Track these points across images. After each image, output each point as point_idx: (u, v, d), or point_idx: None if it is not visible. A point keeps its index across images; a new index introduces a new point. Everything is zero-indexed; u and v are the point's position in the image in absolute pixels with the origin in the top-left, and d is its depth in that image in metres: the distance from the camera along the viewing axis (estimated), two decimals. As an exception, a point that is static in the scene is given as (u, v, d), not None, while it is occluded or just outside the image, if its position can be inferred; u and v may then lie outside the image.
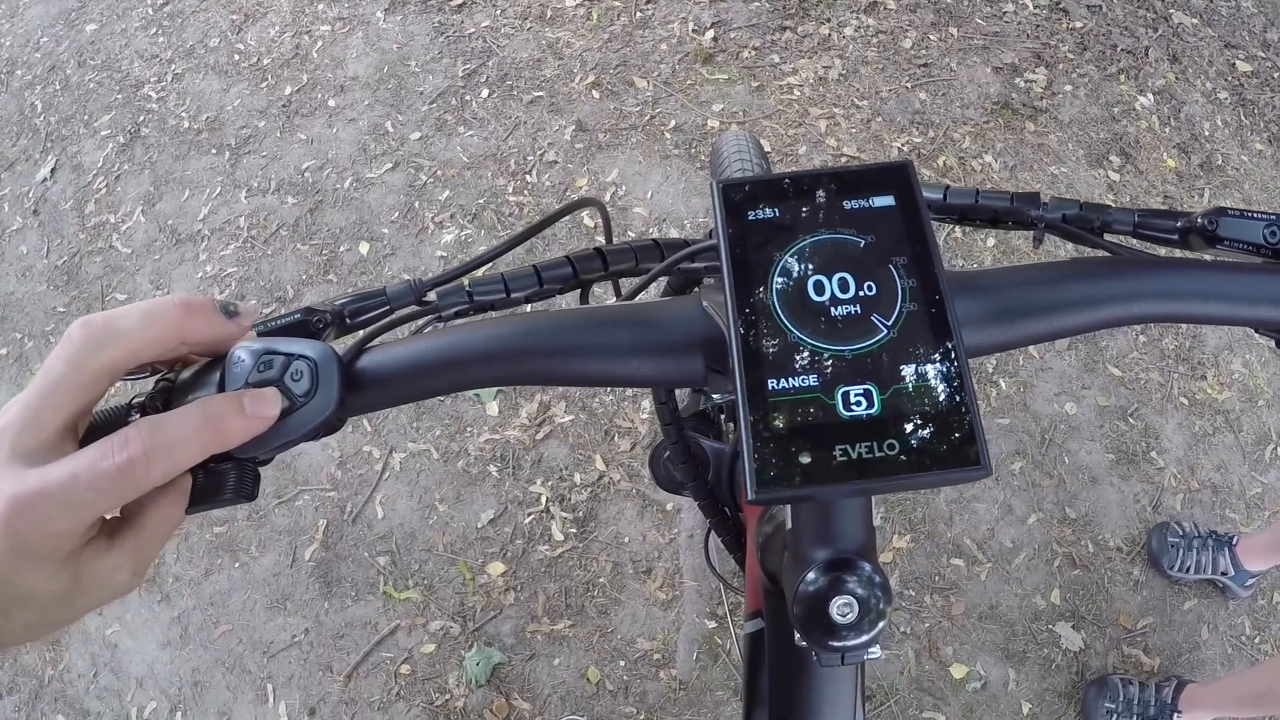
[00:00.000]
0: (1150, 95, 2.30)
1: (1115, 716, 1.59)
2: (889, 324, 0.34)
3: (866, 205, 0.37)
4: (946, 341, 0.33)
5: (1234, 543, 1.69)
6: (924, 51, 2.40)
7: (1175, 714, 1.56)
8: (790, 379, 0.33)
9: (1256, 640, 1.72)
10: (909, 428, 0.32)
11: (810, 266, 0.36)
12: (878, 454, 0.31)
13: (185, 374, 0.41)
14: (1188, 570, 1.71)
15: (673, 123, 2.33)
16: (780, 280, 0.35)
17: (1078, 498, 1.83)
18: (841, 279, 0.35)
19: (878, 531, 1.78)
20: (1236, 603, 1.74)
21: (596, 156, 2.29)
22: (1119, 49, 2.38)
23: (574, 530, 1.84)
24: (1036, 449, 1.87)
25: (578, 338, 0.40)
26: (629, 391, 1.95)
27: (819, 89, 2.35)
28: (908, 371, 0.33)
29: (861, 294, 0.35)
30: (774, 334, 0.34)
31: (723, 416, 0.90)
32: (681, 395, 0.77)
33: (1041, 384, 1.93)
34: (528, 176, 2.28)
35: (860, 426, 0.32)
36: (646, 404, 1.92)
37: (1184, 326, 1.97)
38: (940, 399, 0.32)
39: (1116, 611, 1.74)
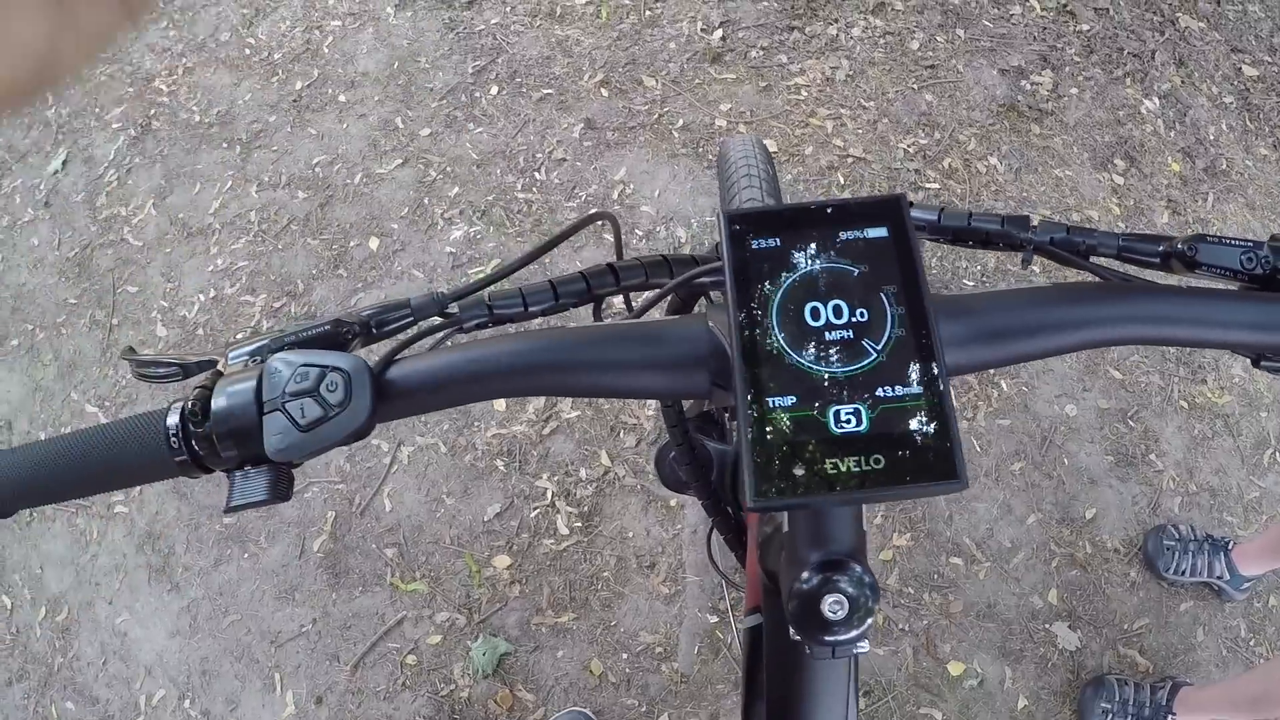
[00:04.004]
0: (1156, 99, 2.32)
1: (1111, 717, 1.61)
2: (878, 348, 0.36)
3: (861, 236, 0.40)
4: (931, 366, 0.36)
5: (1230, 547, 1.71)
6: (931, 53, 2.42)
7: (1170, 715, 1.58)
8: (787, 397, 0.35)
9: (1252, 643, 1.74)
10: (894, 444, 0.34)
11: (807, 293, 0.38)
12: (865, 468, 0.33)
13: (221, 381, 0.44)
14: (1183, 573, 1.73)
15: (681, 122, 2.34)
16: (779, 305, 0.38)
17: (1077, 499, 1.85)
18: (836, 305, 0.37)
19: (878, 530, 1.81)
20: (1232, 605, 1.76)
21: (605, 154, 2.31)
22: (1125, 52, 2.39)
23: (579, 525, 1.87)
24: (1036, 450, 1.89)
25: (593, 353, 0.43)
26: (634, 389, 1.97)
27: (826, 89, 2.36)
28: (894, 393, 0.35)
29: (854, 320, 0.37)
30: (773, 355, 0.36)
31: (726, 416, 0.92)
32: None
33: (1042, 386, 1.95)
34: (536, 174, 2.30)
35: (850, 442, 0.34)
36: (652, 401, 1.94)
37: (1185, 331, 1.98)
38: (923, 418, 0.34)
39: (1113, 612, 1.76)
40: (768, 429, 0.35)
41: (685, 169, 2.26)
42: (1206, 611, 1.76)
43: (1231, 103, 2.33)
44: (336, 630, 1.84)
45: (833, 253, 0.39)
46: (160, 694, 1.84)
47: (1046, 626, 1.75)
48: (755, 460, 0.34)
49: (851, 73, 2.39)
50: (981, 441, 1.89)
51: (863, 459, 0.34)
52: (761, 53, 2.44)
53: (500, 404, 2.00)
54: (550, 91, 2.44)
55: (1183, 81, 2.35)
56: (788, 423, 0.35)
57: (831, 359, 0.36)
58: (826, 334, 0.37)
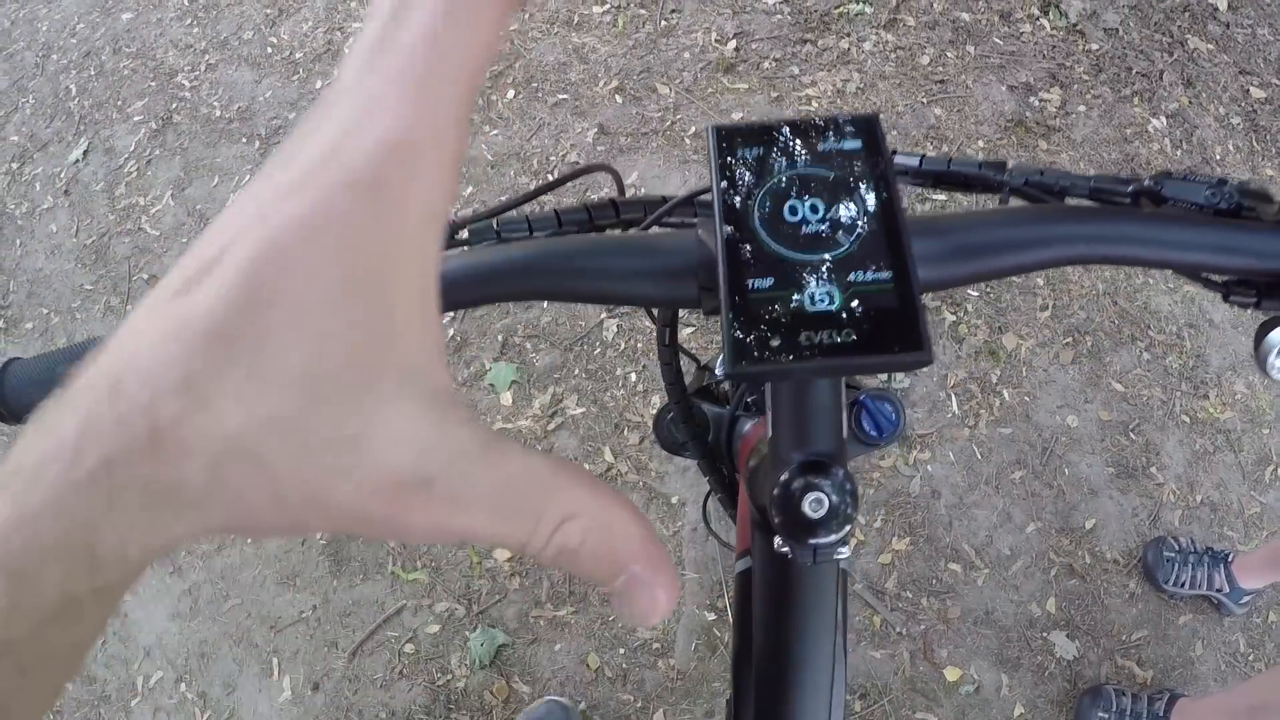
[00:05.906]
0: (1163, 118, 2.34)
1: (1107, 725, 1.61)
2: (851, 239, 0.39)
3: (838, 147, 0.43)
4: (899, 253, 0.39)
5: (1230, 560, 1.71)
6: (941, 68, 2.45)
7: (1166, 725, 1.58)
8: (766, 279, 0.38)
9: (1250, 657, 1.73)
10: (864, 320, 0.36)
11: (787, 193, 0.41)
12: (837, 340, 0.36)
13: None
14: (1182, 585, 1.72)
15: (693, 129, 2.37)
16: (760, 203, 0.41)
17: (1077, 509, 1.85)
18: (813, 204, 0.41)
19: (877, 534, 1.81)
20: (1231, 619, 1.75)
21: (617, 159, 2.34)
22: (1134, 72, 2.41)
23: (579, 520, 1.88)
24: (1037, 459, 1.89)
25: (589, 261, 0.46)
26: (639, 387, 1.99)
27: (837, 101, 2.39)
28: (865, 278, 0.38)
29: (830, 216, 0.40)
30: (754, 245, 0.39)
31: (725, 390, 0.94)
32: (687, 371, 0.82)
33: (1044, 396, 1.96)
34: (550, 175, 2.33)
35: (823, 318, 0.37)
36: (656, 399, 1.96)
37: (1188, 344, 1.99)
38: (891, 298, 0.37)
39: (1111, 623, 1.76)
40: (746, 306, 0.37)
41: (696, 175, 2.29)
42: (1205, 625, 1.76)
43: (1239, 123, 2.35)
44: (336, 617, 1.85)
45: (812, 160, 0.42)
46: (158, 675, 1.85)
47: (1044, 635, 1.75)
48: (734, 333, 0.36)
49: (862, 85, 2.42)
50: (983, 449, 1.90)
51: (834, 333, 0.36)
52: (774, 64, 2.48)
53: (506, 399, 2.01)
54: (565, 97, 2.48)
55: (1190, 102, 2.38)
56: (765, 301, 0.37)
57: (808, 247, 0.39)
58: (804, 228, 0.40)
